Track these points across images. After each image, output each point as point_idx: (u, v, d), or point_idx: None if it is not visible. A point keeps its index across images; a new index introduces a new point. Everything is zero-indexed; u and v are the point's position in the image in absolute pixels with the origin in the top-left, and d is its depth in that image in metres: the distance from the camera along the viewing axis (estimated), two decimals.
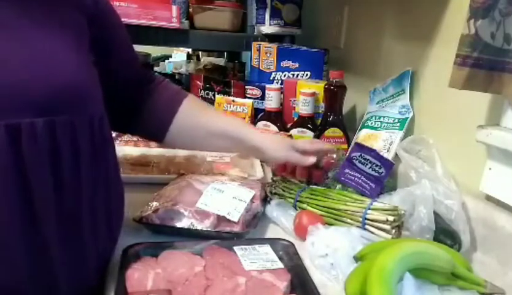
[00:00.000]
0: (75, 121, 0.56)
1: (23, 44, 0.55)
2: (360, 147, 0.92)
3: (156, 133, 0.86)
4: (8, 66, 0.52)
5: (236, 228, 0.78)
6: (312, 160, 0.86)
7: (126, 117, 0.82)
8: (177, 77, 2.27)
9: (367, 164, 0.89)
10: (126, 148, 1.18)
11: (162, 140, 0.86)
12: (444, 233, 0.77)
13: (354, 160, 0.91)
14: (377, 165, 0.88)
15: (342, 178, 0.92)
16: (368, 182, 0.89)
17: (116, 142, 1.26)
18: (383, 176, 0.88)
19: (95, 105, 0.62)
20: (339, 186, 0.93)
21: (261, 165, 1.14)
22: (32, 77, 0.53)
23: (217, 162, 1.13)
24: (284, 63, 1.36)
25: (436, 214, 0.80)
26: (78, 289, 0.62)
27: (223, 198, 0.82)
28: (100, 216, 0.64)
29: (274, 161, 0.89)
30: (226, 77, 1.81)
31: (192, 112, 0.85)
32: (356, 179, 0.91)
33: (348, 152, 0.97)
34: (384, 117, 1.07)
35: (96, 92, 0.63)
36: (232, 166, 1.11)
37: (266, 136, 0.93)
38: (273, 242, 0.75)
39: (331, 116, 1.16)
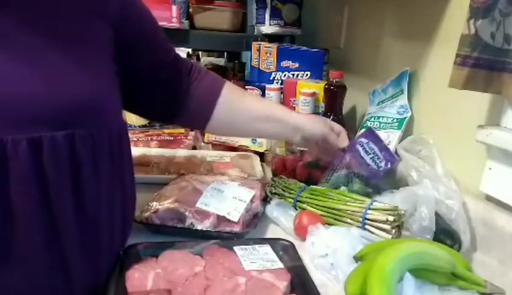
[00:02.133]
0: (94, 135, 0.57)
1: (41, 60, 0.55)
2: (371, 133, 0.91)
3: (199, 121, 0.86)
4: (29, 82, 0.53)
5: (236, 228, 0.78)
6: (345, 143, 0.89)
7: (170, 109, 0.83)
8: None
9: (370, 153, 0.89)
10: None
11: (205, 128, 0.87)
12: (444, 233, 0.77)
13: (359, 146, 0.90)
14: (378, 158, 0.88)
15: (343, 161, 0.91)
16: (368, 167, 0.89)
17: None
18: (381, 170, 0.87)
19: (113, 118, 0.63)
20: (343, 188, 0.93)
21: (261, 164, 1.15)
22: (51, 91, 0.54)
23: (217, 162, 1.13)
24: (284, 63, 1.36)
25: (437, 214, 0.80)
26: (91, 291, 0.63)
27: (223, 198, 0.82)
28: (116, 222, 0.65)
29: (312, 138, 0.87)
30: (226, 77, 1.81)
31: (232, 98, 0.86)
32: (354, 163, 0.90)
33: (357, 135, 0.97)
34: (382, 117, 1.07)
35: (114, 106, 0.64)
36: (232, 166, 1.11)
37: (304, 115, 1.00)
38: (273, 242, 0.75)
39: (331, 116, 1.16)
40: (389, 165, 0.88)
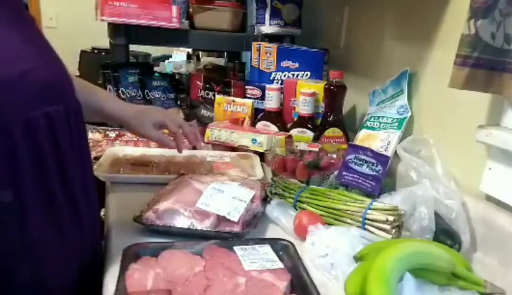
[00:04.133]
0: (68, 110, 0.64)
1: (36, 42, 0.63)
2: (354, 148, 0.92)
3: None
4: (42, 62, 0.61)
5: (236, 228, 0.78)
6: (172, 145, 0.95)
7: None
8: (177, 77, 2.26)
9: (363, 164, 0.90)
10: (126, 148, 1.18)
11: None
12: (444, 233, 0.77)
13: (350, 163, 0.91)
14: (373, 163, 0.88)
15: (342, 180, 0.92)
16: (367, 181, 0.89)
17: (117, 142, 1.26)
18: (381, 174, 0.88)
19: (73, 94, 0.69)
20: (342, 187, 0.93)
21: (261, 164, 1.14)
22: (54, 70, 0.63)
23: (217, 162, 1.13)
24: (284, 63, 1.36)
25: (436, 214, 0.80)
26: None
27: (223, 198, 0.82)
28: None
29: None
30: (226, 77, 1.81)
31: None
32: (355, 179, 0.91)
33: (343, 159, 0.98)
34: (382, 117, 1.07)
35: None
36: (233, 166, 1.11)
37: (135, 109, 0.94)
38: (273, 242, 0.75)
39: (331, 116, 1.16)
40: (385, 164, 0.88)
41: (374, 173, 0.88)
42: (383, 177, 0.88)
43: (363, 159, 0.90)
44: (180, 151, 0.98)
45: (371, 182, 0.89)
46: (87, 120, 0.82)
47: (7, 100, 0.54)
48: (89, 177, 0.72)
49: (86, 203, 0.68)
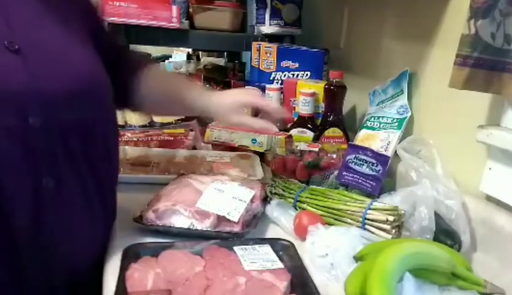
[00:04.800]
0: None
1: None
2: (354, 148, 0.92)
3: (123, 103, 0.90)
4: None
5: (236, 228, 0.78)
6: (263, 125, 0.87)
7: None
8: None
9: (363, 164, 0.90)
10: (126, 148, 1.18)
11: (132, 107, 0.96)
12: (444, 233, 0.77)
13: (350, 163, 0.91)
14: (373, 163, 0.88)
15: (342, 180, 0.92)
16: (367, 181, 0.89)
17: None
18: (381, 173, 0.88)
19: None
20: (342, 187, 0.93)
21: (261, 165, 1.14)
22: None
23: (217, 162, 1.13)
24: (284, 63, 1.36)
25: (436, 214, 0.80)
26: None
27: (223, 198, 0.82)
28: None
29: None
30: (226, 77, 1.81)
31: (146, 83, 0.88)
32: (355, 179, 0.91)
33: (343, 159, 0.97)
34: (382, 117, 1.07)
35: None
36: (233, 166, 1.11)
37: (217, 96, 0.89)
38: (273, 242, 0.75)
39: (331, 116, 1.16)
40: (385, 164, 0.88)
41: (374, 173, 0.88)
42: (383, 177, 0.88)
43: (363, 159, 0.90)
44: (277, 126, 0.92)
45: (371, 182, 0.89)
46: (171, 114, 0.97)
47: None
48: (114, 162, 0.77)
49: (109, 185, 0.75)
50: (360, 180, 0.90)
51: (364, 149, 0.91)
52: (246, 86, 0.92)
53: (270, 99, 1.25)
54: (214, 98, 0.88)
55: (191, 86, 0.93)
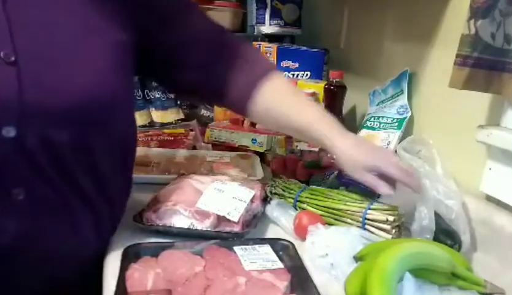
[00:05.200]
0: None
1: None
2: None
3: (236, 110, 0.86)
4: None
5: (236, 228, 0.78)
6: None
7: (205, 92, 0.82)
8: None
9: None
10: None
11: (246, 116, 0.90)
12: (445, 233, 0.77)
13: None
14: None
15: (343, 180, 0.92)
16: None
17: None
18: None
19: None
20: (342, 187, 0.93)
21: (261, 165, 1.14)
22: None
23: (217, 162, 1.13)
24: (284, 63, 1.36)
25: (436, 214, 0.80)
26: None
27: (223, 198, 0.82)
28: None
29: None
30: None
31: (270, 100, 0.80)
32: (355, 179, 0.91)
33: None
34: (382, 117, 1.07)
35: None
36: (233, 166, 1.11)
37: (346, 147, 0.77)
38: (273, 242, 0.75)
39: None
40: None
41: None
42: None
43: None
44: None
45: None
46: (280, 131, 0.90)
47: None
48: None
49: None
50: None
51: None
52: (376, 143, 0.81)
53: None
54: (342, 146, 0.77)
55: (316, 117, 0.80)
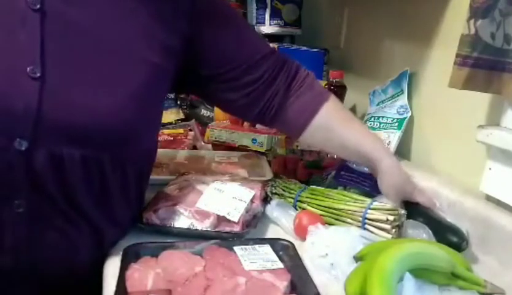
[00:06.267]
0: None
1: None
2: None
3: (290, 133, 0.89)
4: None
5: (236, 228, 0.78)
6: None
7: (258, 114, 0.82)
8: None
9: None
10: None
11: (297, 140, 0.93)
12: (451, 231, 0.77)
13: (348, 163, 0.91)
14: None
15: (340, 180, 0.92)
16: (366, 180, 0.89)
17: None
18: None
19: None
20: (340, 187, 0.93)
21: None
22: None
23: (224, 163, 1.13)
24: None
25: (438, 214, 0.80)
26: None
27: (223, 198, 0.82)
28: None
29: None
30: None
31: (329, 121, 0.82)
32: (353, 179, 0.91)
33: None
34: (382, 117, 1.07)
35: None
36: (241, 166, 1.10)
37: (392, 171, 0.82)
38: (273, 242, 0.75)
39: None
40: None
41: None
42: None
43: None
44: None
45: (370, 182, 0.89)
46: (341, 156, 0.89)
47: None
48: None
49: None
50: (358, 180, 0.90)
51: None
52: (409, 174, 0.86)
53: None
54: (385, 171, 0.81)
55: (367, 140, 0.84)
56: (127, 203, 0.73)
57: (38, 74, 0.57)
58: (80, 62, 0.61)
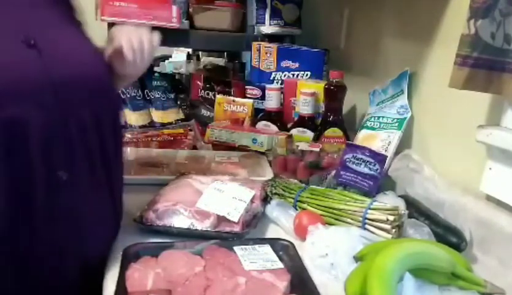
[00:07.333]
0: None
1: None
2: (352, 147, 0.92)
3: None
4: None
5: (236, 228, 0.78)
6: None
7: None
8: (177, 77, 2.26)
9: (361, 164, 0.90)
10: (137, 150, 1.20)
11: None
12: (451, 232, 0.77)
13: (348, 163, 0.91)
14: (371, 163, 0.89)
15: (340, 179, 0.92)
16: (365, 180, 0.89)
17: None
18: (379, 172, 0.88)
19: None
20: (340, 187, 0.93)
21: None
22: None
23: (225, 163, 1.13)
24: (284, 63, 1.36)
25: (438, 214, 0.80)
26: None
27: (223, 198, 0.82)
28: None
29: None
30: (226, 77, 1.81)
31: None
32: (353, 179, 0.91)
33: (341, 157, 0.97)
34: (382, 117, 1.07)
35: None
36: (242, 166, 1.11)
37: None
38: (273, 242, 0.75)
39: (331, 116, 1.16)
40: (383, 163, 0.88)
41: (372, 172, 0.89)
42: (381, 176, 0.89)
43: (361, 158, 0.90)
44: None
45: (369, 182, 0.89)
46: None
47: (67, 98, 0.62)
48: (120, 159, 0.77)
49: (117, 179, 0.76)
50: (357, 180, 0.90)
51: (362, 148, 0.91)
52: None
53: (270, 99, 1.25)
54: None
55: None
56: (118, 169, 0.77)
57: (32, 42, 0.61)
58: (56, 35, 0.66)
